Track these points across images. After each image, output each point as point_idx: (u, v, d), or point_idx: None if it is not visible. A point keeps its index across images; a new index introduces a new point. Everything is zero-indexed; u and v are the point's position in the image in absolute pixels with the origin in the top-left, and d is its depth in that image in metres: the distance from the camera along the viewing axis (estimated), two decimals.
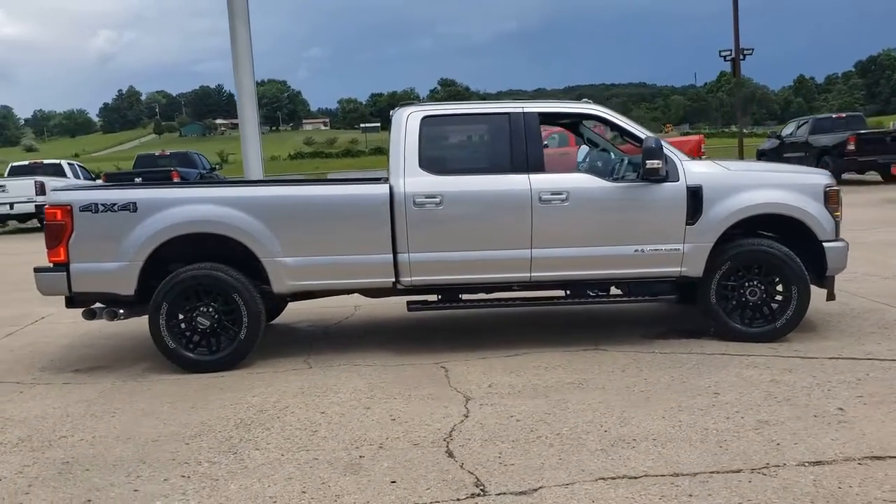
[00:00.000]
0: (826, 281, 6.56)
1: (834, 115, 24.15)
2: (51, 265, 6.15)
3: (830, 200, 6.41)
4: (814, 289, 6.46)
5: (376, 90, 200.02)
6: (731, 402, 4.94)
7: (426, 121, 6.34)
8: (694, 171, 6.33)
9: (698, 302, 6.51)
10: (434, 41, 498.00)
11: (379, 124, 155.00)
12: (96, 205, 6.08)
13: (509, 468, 4.02)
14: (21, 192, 19.60)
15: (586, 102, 6.76)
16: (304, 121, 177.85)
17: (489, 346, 6.54)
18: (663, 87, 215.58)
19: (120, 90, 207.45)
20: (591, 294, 6.61)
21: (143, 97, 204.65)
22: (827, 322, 6.98)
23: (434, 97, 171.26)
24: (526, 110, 6.40)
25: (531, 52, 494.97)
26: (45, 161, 23.56)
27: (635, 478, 3.85)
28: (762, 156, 26.22)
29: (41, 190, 19.18)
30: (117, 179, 20.95)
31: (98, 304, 6.38)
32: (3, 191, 19.58)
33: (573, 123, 7.46)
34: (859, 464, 3.91)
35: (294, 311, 8.09)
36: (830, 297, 6.64)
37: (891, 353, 5.93)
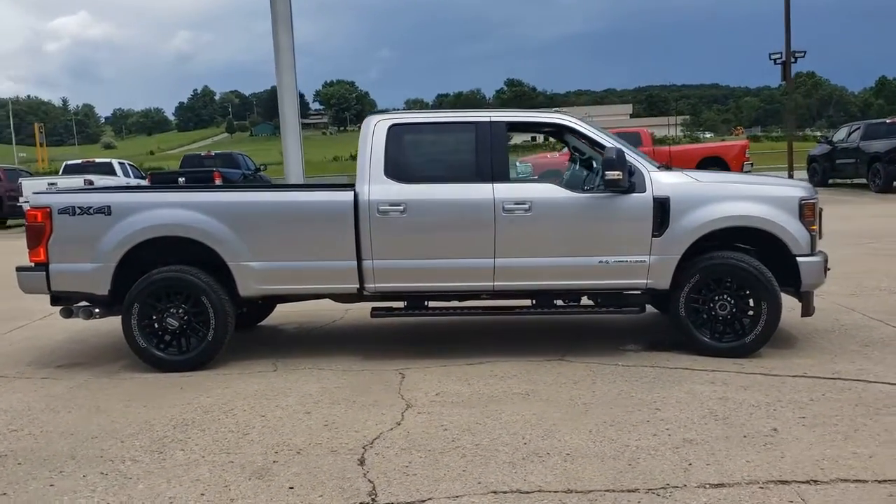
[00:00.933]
0: (803, 296, 6.38)
1: (888, 121, 23.21)
2: (32, 265, 6.41)
3: (806, 214, 6.23)
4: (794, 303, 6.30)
5: (442, 91, 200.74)
6: (668, 419, 4.87)
7: (393, 129, 6.40)
8: (662, 181, 6.23)
9: (669, 314, 6.41)
10: (503, 42, 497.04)
11: None
12: (73, 208, 6.33)
13: (410, 478, 4.05)
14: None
15: (556, 112, 6.72)
16: None
17: (455, 354, 6.55)
18: (736, 89, 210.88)
19: (195, 90, 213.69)
20: (557, 304, 6.57)
21: (217, 97, 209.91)
22: (810, 338, 6.79)
23: (500, 97, 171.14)
24: (492, 119, 6.41)
25: (600, 52, 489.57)
26: (97, 160, 24.45)
27: (526, 493, 3.84)
28: (813, 161, 25.45)
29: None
30: (161, 180, 21.58)
31: (83, 303, 6.63)
32: (54, 187, 20.41)
33: (557, 132, 7.41)
34: (760, 488, 3.82)
35: (284, 313, 8.26)
36: (806, 312, 6.46)
37: (860, 372, 5.74)
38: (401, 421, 4.98)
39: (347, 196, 6.26)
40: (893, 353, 6.24)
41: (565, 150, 24.39)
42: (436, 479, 4.03)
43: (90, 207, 6.31)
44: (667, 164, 6.60)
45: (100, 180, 20.30)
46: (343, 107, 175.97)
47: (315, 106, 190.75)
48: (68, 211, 6.32)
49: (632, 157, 6.26)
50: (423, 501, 3.78)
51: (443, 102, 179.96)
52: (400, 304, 6.58)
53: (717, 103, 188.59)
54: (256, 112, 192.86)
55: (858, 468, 4.03)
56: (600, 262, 6.22)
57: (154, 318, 6.34)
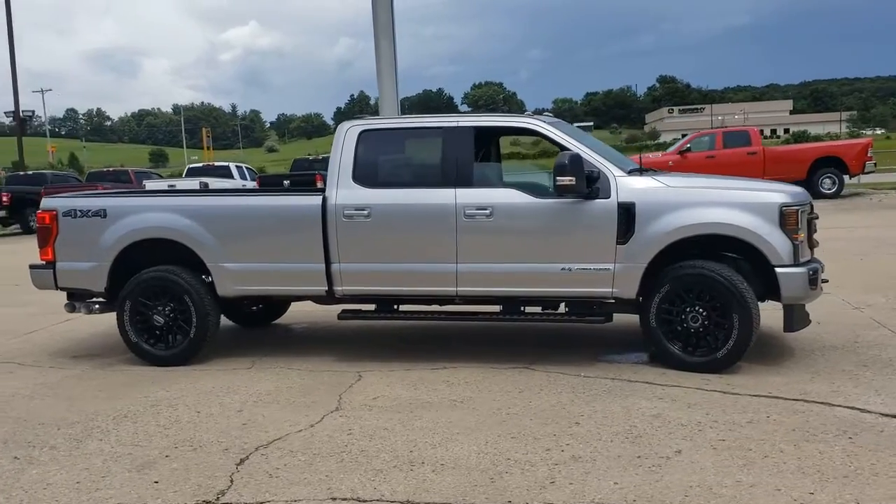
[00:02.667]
0: (785, 310, 5.95)
1: None
2: (42, 263, 6.99)
3: (788, 221, 5.79)
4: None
5: (592, 89, 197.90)
6: (578, 434, 4.69)
7: (364, 135, 6.50)
8: (628, 187, 5.98)
9: (641, 325, 6.14)
10: (657, 37, 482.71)
11: (592, 124, 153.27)
12: (75, 211, 6.84)
13: (269, 480, 4.13)
14: None
15: (528, 115, 6.58)
16: None
17: (425, 358, 6.56)
18: None
19: (352, 95, 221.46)
20: (524, 311, 6.44)
21: (373, 101, 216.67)
22: (808, 353, 6.32)
23: (652, 95, 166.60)
24: (459, 124, 6.36)
25: (763, 46, 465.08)
26: (216, 163, 25.99)
27: (365, 500, 3.85)
28: None
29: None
30: (267, 182, 22.65)
31: (96, 298, 7.14)
32: (174, 188, 21.88)
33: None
34: None
35: (301, 312, 8.53)
36: (788, 328, 6.01)
37: (831, 395, 5.29)
38: (316, 423, 5.07)
39: (316, 200, 6.42)
40: (888, 376, 5.69)
41: (670, 150, 23.62)
42: (292, 482, 4.10)
43: (89, 211, 6.81)
44: (640, 168, 6.28)
45: (215, 182, 21.56)
46: (490, 108, 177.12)
47: (463, 108, 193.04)
48: (71, 214, 6.84)
49: (597, 161, 6.04)
50: (260, 503, 3.86)
51: (591, 101, 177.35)
52: (370, 307, 6.66)
53: (894, 97, 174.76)
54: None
55: (725, 498, 3.75)
56: (563, 269, 6.05)
57: (144, 314, 6.74)
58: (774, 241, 5.75)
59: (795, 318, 5.96)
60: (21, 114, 31.51)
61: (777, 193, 5.91)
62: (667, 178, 6.18)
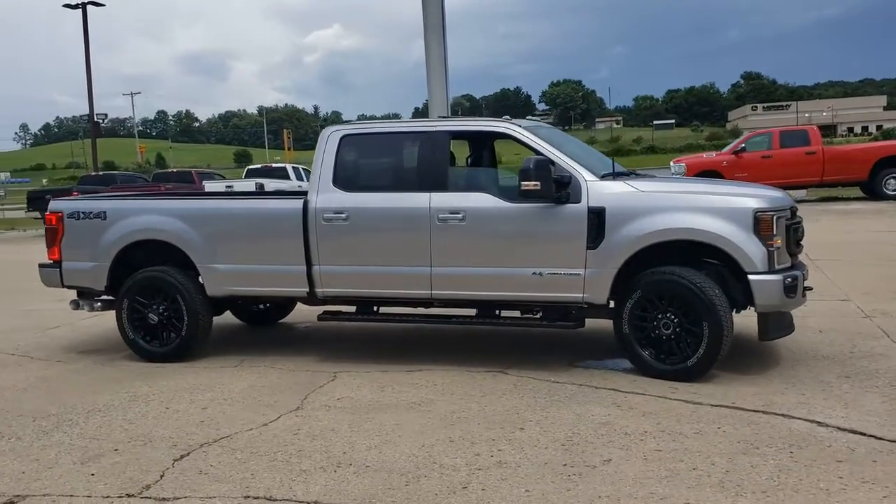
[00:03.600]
0: (762, 319, 5.79)
1: None
2: (50, 262, 7.35)
3: (762, 227, 5.62)
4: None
5: (673, 86, 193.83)
6: (516, 440, 4.69)
7: (345, 140, 6.61)
8: (598, 191, 5.91)
9: (614, 330, 6.07)
10: (743, 31, 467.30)
11: (673, 121, 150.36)
12: (79, 213, 7.17)
13: (197, 477, 4.27)
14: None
15: (506, 120, 6.56)
16: (597, 119, 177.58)
17: (404, 360, 6.62)
18: None
19: None
20: (499, 315, 6.44)
21: (450, 101, 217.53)
22: (792, 362, 6.14)
23: (736, 91, 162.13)
24: (436, 129, 6.42)
25: (858, 38, 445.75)
26: (274, 165, 26.64)
27: (275, 500, 3.95)
28: None
29: (261, 191, 21.72)
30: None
31: (105, 297, 7.46)
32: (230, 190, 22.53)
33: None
34: None
35: (308, 312, 8.69)
36: (763, 336, 5.85)
37: (794, 407, 5.12)
38: (270, 422, 5.20)
39: (297, 203, 6.56)
40: (865, 388, 5.48)
41: (724, 150, 22.99)
42: (216, 479, 4.23)
43: (91, 213, 7.12)
44: (613, 172, 6.19)
45: (271, 183, 22.11)
46: (569, 106, 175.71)
47: (541, 107, 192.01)
48: (75, 215, 7.17)
49: (569, 165, 6.00)
50: (177, 499, 4.00)
51: (673, 98, 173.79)
52: (351, 309, 6.77)
53: None
54: (484, 114, 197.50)
55: None
56: (534, 273, 6.03)
57: (140, 313, 7.01)
58: (747, 248, 5.60)
59: (771, 326, 5.80)
60: (95, 117, 33.10)
61: (753, 199, 5.75)
62: (641, 182, 6.08)
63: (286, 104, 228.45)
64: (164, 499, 4.01)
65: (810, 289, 6.08)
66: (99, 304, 7.28)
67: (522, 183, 5.75)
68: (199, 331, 6.91)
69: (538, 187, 5.74)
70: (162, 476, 4.30)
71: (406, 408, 5.41)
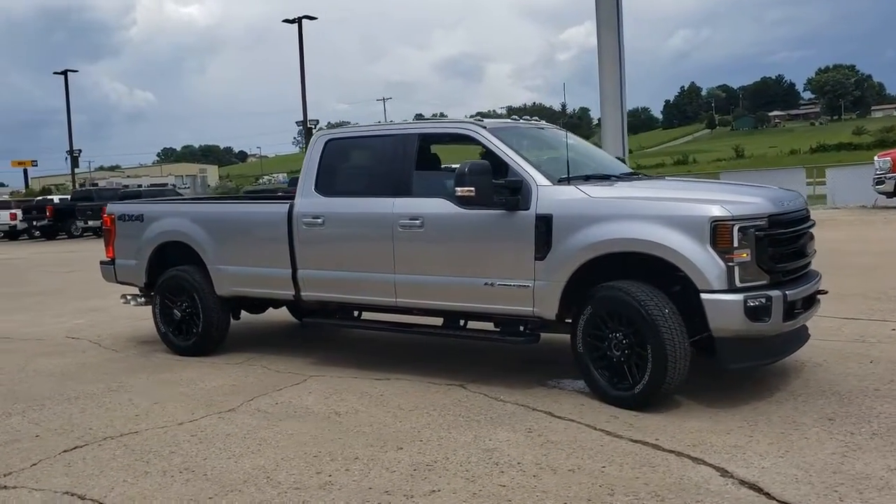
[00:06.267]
0: (718, 344, 5.02)
1: None
2: (108, 259, 8.10)
3: (720, 238, 4.86)
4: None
5: None
6: (379, 460, 4.45)
7: (329, 144, 6.62)
8: (549, 198, 5.43)
9: (571, 349, 5.56)
10: None
11: None
12: (126, 215, 7.84)
13: (55, 468, 4.53)
14: None
15: (474, 120, 6.19)
16: (874, 107, 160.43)
17: (380, 369, 6.51)
18: None
19: (682, 87, 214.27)
20: (463, 326, 6.13)
21: (704, 92, 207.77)
22: (771, 399, 5.26)
23: None
24: (403, 132, 6.24)
25: None
26: None
27: (87, 499, 4.09)
28: None
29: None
30: None
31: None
32: None
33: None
34: None
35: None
36: (721, 363, 5.05)
37: (720, 451, 4.40)
38: (186, 422, 5.35)
39: (283, 208, 6.69)
40: (836, 434, 4.56)
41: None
42: (68, 473, 4.45)
43: (132, 215, 7.75)
44: (568, 176, 5.60)
45: None
46: (838, 93, 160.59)
47: (806, 95, 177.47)
48: (123, 217, 7.85)
49: (523, 169, 5.57)
50: (15, 487, 4.28)
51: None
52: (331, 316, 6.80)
53: None
54: (742, 105, 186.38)
55: None
56: (486, 283, 5.68)
57: (169, 308, 7.51)
58: (699, 261, 4.87)
59: (728, 353, 5.00)
60: (307, 123, 35.69)
61: (715, 205, 4.96)
62: (596, 187, 5.50)
63: (534, 103, 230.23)
64: (4, 486, 4.30)
65: (825, 292, 5.53)
66: (142, 299, 7.89)
67: (457, 189, 5.43)
68: (214, 328, 7.26)
69: (472, 193, 5.39)
70: (34, 465, 4.61)
71: (323, 417, 5.33)
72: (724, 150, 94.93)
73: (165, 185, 58.14)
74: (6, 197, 52.70)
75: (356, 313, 6.75)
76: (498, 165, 5.72)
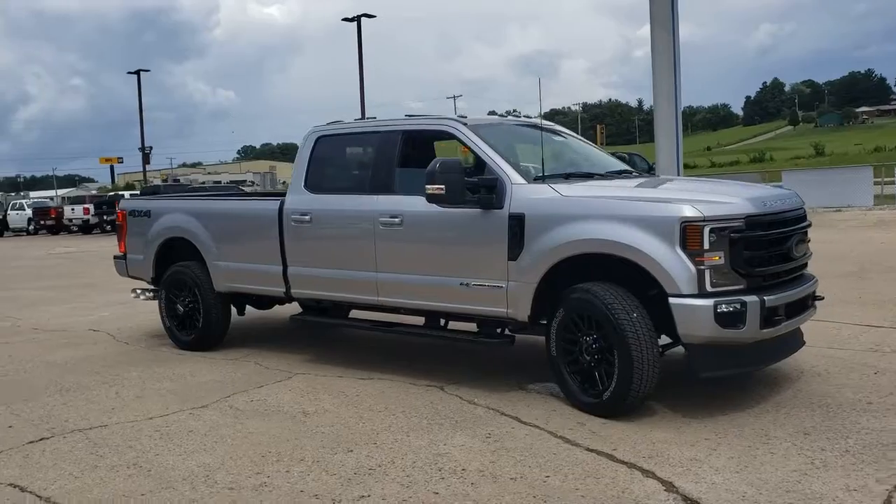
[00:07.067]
0: (688, 350, 4.78)
1: None
2: (121, 254, 8.26)
3: (690, 240, 4.62)
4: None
5: None
6: (326, 463, 4.40)
7: (320, 141, 6.58)
8: (523, 197, 5.27)
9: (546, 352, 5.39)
10: None
11: None
12: (136, 211, 7.98)
13: (17, 460, 4.60)
14: None
15: (457, 117, 6.03)
16: None
17: (364, 368, 6.45)
18: None
19: (764, 82, 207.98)
20: (444, 326, 6.02)
21: (787, 88, 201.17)
22: (779, 407, 5.00)
23: None
24: (387, 129, 6.16)
25: None
26: None
27: (24, 490, 4.14)
28: None
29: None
30: None
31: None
32: None
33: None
34: None
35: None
36: (694, 371, 4.80)
37: (674, 465, 4.19)
38: (155, 417, 5.39)
39: (274, 205, 6.69)
40: (804, 449, 4.29)
41: None
42: (22, 465, 4.51)
43: (141, 211, 7.89)
44: (543, 175, 5.40)
45: None
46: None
47: None
48: (133, 213, 7.99)
49: (499, 167, 5.42)
50: None
51: None
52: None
53: None
54: (828, 101, 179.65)
55: None
56: (461, 283, 5.55)
57: (174, 303, 7.61)
58: (668, 264, 4.64)
59: (700, 360, 4.75)
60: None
61: (687, 205, 4.72)
62: (571, 186, 5.32)
63: (609, 99, 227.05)
64: None
65: (820, 297, 5.30)
66: (150, 293, 8.02)
67: (427, 186, 5.31)
68: (214, 324, 7.32)
69: (442, 191, 5.26)
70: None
71: (290, 417, 5.30)
72: (805, 147, 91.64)
73: (244, 181, 59.59)
74: (94, 192, 54.75)
75: (351, 311, 6.69)
76: (480, 163, 5.59)
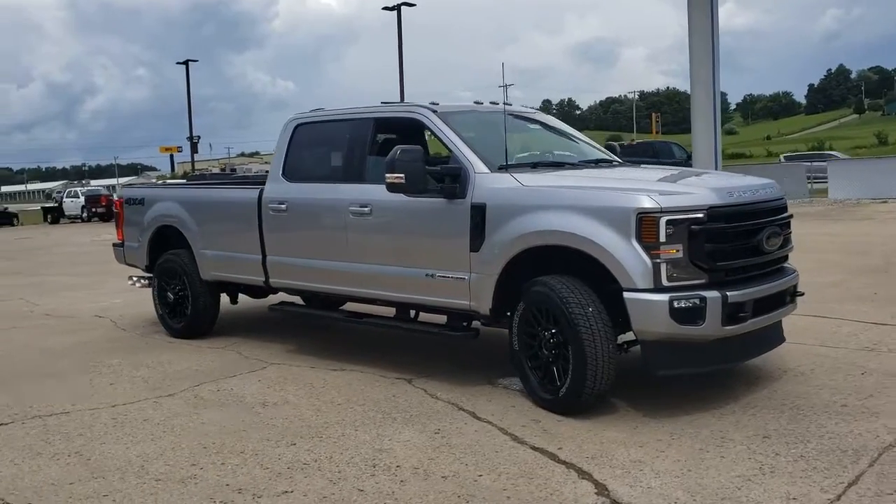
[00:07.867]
0: (643, 347, 4.59)
1: None
2: (119, 242, 8.33)
3: (645, 232, 4.42)
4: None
5: None
6: (266, 455, 4.34)
7: (298, 129, 6.51)
8: (485, 186, 5.11)
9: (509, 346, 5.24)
10: None
11: None
12: (131, 199, 8.03)
13: None
14: None
15: (428, 104, 5.87)
16: None
17: (342, 358, 6.39)
18: None
19: (829, 69, 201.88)
20: (414, 318, 5.91)
21: (853, 75, 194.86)
22: (746, 409, 4.76)
23: None
24: (360, 117, 6.06)
25: None
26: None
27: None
28: None
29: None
30: None
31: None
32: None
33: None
34: None
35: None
36: (649, 368, 4.60)
37: (622, 467, 4.02)
38: (118, 405, 5.40)
39: (254, 193, 6.64)
40: (757, 454, 4.08)
41: None
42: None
43: (136, 199, 7.94)
44: (507, 164, 5.22)
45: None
46: None
47: None
48: (129, 201, 8.05)
49: (463, 155, 5.28)
50: None
51: None
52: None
53: None
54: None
55: None
56: (427, 274, 5.43)
57: (165, 291, 7.65)
58: (622, 257, 4.45)
59: (656, 357, 4.55)
60: None
61: (644, 195, 4.51)
62: (534, 175, 5.15)
63: (667, 87, 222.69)
64: None
65: (800, 293, 5.12)
66: (145, 281, 8.07)
67: (387, 175, 5.18)
68: (202, 312, 7.33)
69: (402, 180, 5.13)
70: None
71: (247, 408, 5.25)
72: (868, 136, 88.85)
73: None
74: (153, 180, 55.97)
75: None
76: (449, 152, 5.46)
